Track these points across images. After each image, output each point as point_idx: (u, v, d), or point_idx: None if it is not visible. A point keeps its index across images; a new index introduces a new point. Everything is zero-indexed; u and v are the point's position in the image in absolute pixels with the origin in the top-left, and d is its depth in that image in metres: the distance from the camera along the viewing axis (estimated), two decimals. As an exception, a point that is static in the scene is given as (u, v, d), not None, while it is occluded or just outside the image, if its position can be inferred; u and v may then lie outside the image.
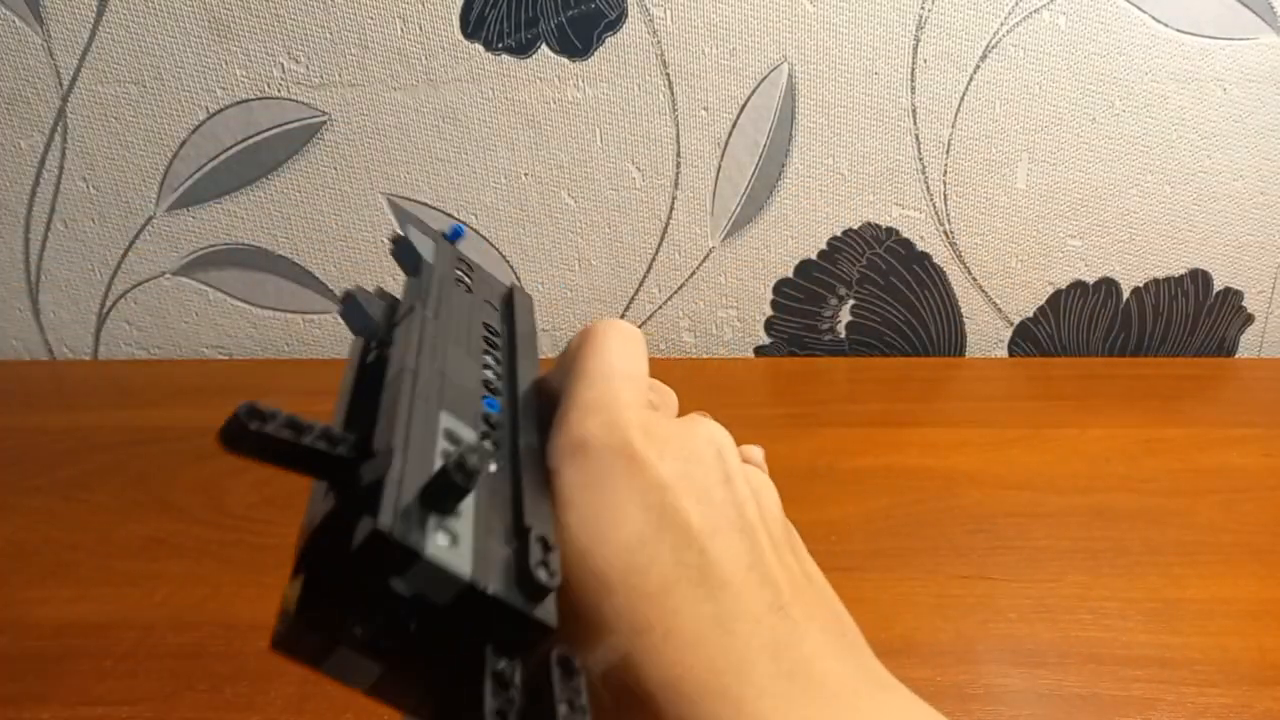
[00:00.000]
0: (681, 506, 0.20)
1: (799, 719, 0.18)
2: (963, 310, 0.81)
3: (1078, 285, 0.79)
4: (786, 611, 0.20)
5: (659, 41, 0.72)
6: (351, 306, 0.21)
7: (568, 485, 0.21)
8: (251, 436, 0.16)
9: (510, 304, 0.28)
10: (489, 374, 0.23)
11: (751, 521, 0.21)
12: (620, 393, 0.22)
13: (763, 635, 0.19)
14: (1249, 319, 0.80)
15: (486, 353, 0.24)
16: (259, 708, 0.45)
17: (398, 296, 0.24)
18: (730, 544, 0.21)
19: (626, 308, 0.81)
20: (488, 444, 0.20)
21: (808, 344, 0.82)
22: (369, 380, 0.21)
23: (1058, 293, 0.80)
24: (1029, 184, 0.76)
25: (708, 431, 0.23)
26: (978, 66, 0.72)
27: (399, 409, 0.18)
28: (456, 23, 0.72)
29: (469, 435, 0.20)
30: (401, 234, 0.25)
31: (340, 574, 0.16)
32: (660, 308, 0.81)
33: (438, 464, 0.18)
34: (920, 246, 0.78)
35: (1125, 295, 0.80)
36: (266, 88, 0.74)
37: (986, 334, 0.82)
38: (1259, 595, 0.51)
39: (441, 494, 0.16)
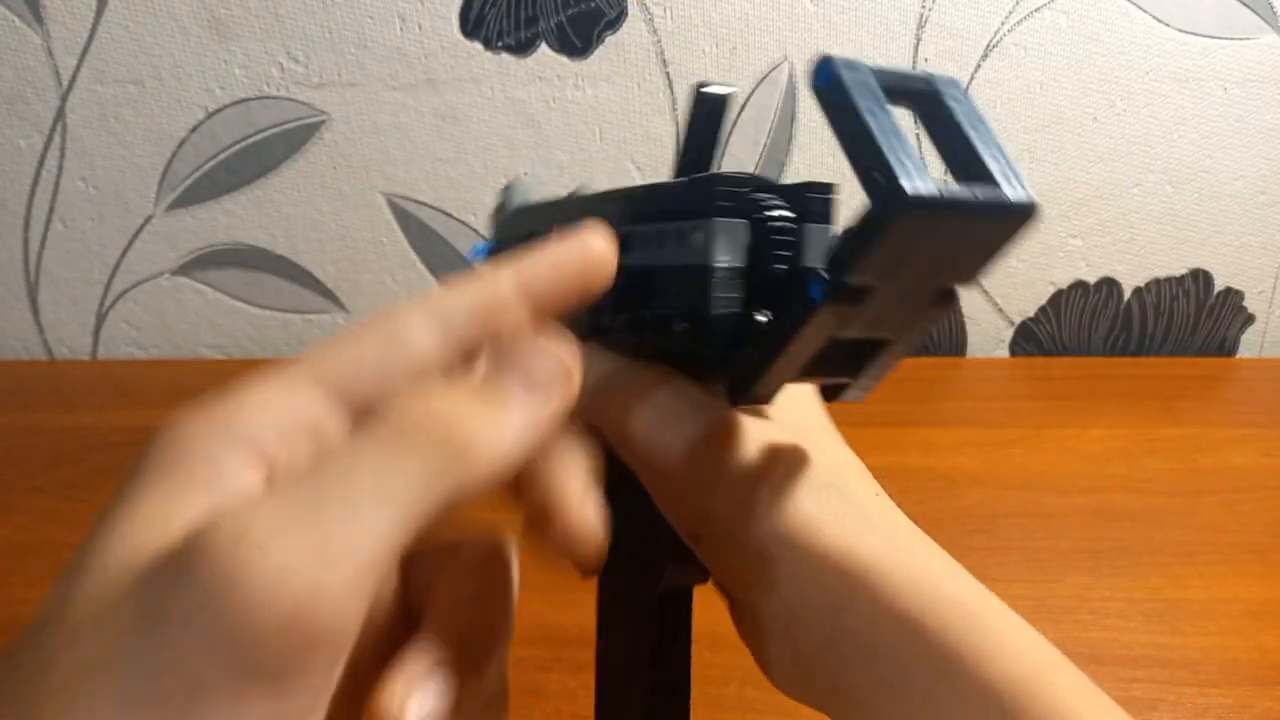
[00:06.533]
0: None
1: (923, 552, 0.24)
2: (964, 310, 0.81)
3: (1079, 285, 0.79)
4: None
5: (659, 40, 0.72)
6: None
7: None
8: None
9: None
10: None
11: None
12: None
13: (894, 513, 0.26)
14: (1250, 319, 0.80)
15: None
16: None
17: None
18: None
19: (626, 307, 0.81)
20: None
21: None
22: None
23: (1059, 292, 0.80)
24: (1030, 183, 0.76)
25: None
26: (979, 66, 0.72)
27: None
28: (456, 22, 0.72)
29: None
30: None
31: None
32: (660, 307, 0.81)
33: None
34: (921, 246, 0.78)
35: (1126, 295, 0.80)
36: (266, 87, 0.74)
37: (987, 334, 0.82)
38: (1260, 595, 0.51)
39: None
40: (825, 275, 0.18)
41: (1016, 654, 0.22)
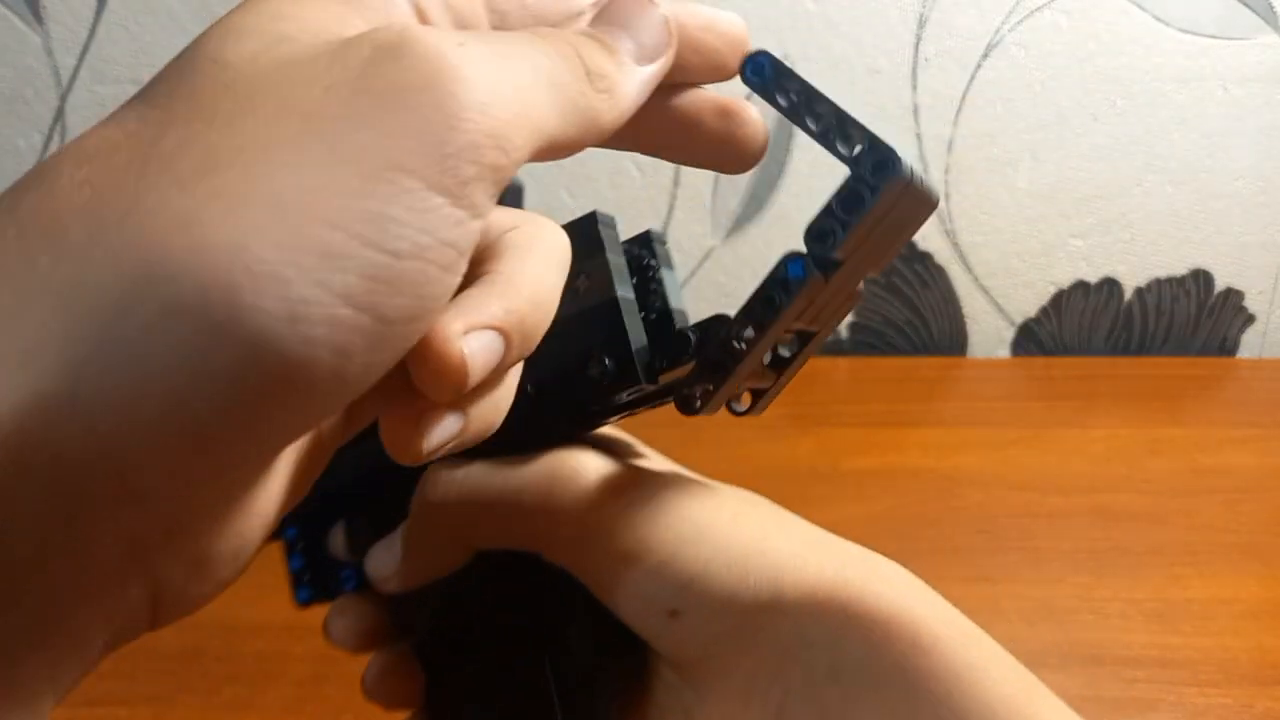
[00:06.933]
0: None
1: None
2: (965, 310, 0.80)
3: (1080, 285, 0.79)
4: None
5: (659, 40, 0.72)
6: None
7: None
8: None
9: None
10: None
11: None
12: None
13: None
14: (1250, 319, 0.80)
15: None
16: (257, 709, 0.45)
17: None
18: None
19: (627, 307, 0.81)
20: None
21: (808, 344, 0.82)
22: None
23: (1060, 292, 0.80)
24: (1031, 183, 0.76)
25: None
26: (980, 65, 0.72)
27: None
28: (456, 22, 0.72)
29: None
30: None
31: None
32: (661, 307, 0.81)
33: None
34: (922, 245, 0.78)
35: (1127, 295, 0.80)
36: (266, 87, 0.74)
37: (989, 334, 0.81)
38: (1261, 595, 0.51)
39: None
40: (803, 254, 0.19)
41: (1003, 674, 0.22)
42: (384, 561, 0.25)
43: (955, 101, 0.73)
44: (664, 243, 0.25)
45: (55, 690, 0.15)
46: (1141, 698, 0.44)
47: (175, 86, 0.14)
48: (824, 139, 0.19)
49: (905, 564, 0.26)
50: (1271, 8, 0.70)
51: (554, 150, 0.16)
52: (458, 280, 0.15)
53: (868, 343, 0.82)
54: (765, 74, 0.21)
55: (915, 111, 0.74)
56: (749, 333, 0.20)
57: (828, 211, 0.19)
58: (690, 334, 0.22)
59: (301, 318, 0.12)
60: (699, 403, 0.22)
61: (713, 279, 0.79)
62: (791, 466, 0.61)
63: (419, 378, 0.16)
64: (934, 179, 0.76)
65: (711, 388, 0.21)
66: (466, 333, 0.16)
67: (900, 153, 0.18)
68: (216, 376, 0.12)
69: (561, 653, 0.25)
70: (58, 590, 0.14)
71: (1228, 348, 0.81)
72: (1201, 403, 0.73)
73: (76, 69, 0.74)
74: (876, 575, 0.23)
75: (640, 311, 0.23)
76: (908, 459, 0.63)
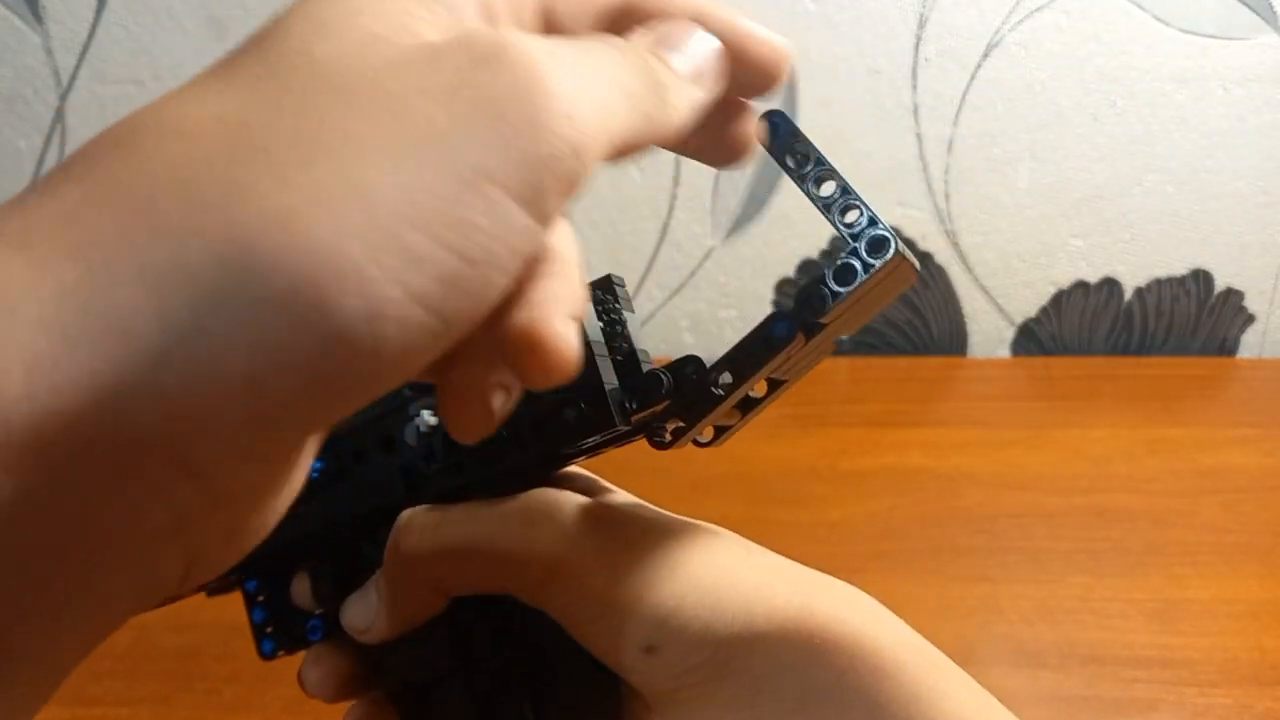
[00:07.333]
0: None
1: None
2: (965, 310, 0.80)
3: (1080, 285, 0.79)
4: None
5: (659, 40, 0.72)
6: None
7: None
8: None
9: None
10: None
11: None
12: None
13: None
14: (1250, 319, 0.80)
15: None
16: (257, 709, 0.45)
17: None
18: None
19: (627, 307, 0.81)
20: None
21: (808, 344, 0.82)
22: None
23: (1060, 292, 0.80)
24: (1031, 183, 0.76)
25: None
26: (980, 65, 0.72)
27: None
28: (456, 22, 0.72)
29: None
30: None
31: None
32: (660, 308, 0.81)
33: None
34: (922, 246, 0.78)
35: (1127, 295, 0.80)
36: (266, 87, 0.74)
37: (989, 334, 0.81)
38: (1260, 595, 0.51)
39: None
40: (788, 315, 0.20)
41: (963, 697, 0.23)
42: (360, 614, 0.25)
43: (955, 101, 0.73)
44: (623, 285, 0.26)
45: (78, 651, 0.15)
46: (1141, 698, 0.44)
47: (263, 75, 0.15)
48: (825, 208, 0.21)
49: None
50: (1271, 8, 0.70)
51: (615, 157, 0.17)
52: (512, 284, 0.15)
53: (868, 343, 0.82)
54: (779, 134, 0.21)
55: (915, 111, 0.74)
56: (727, 379, 0.21)
57: (820, 280, 0.20)
58: (662, 375, 0.23)
59: (379, 315, 0.13)
60: (669, 438, 0.23)
61: (713, 279, 0.79)
62: (791, 466, 0.61)
63: (526, 366, 0.16)
64: (934, 179, 0.76)
65: (684, 424, 0.23)
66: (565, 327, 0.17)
67: (892, 234, 0.20)
68: (295, 366, 0.13)
69: (541, 693, 0.26)
70: (101, 555, 0.14)
71: (1228, 348, 0.81)
72: (1201, 403, 0.73)
73: (76, 69, 0.74)
74: (842, 603, 0.24)
75: (608, 354, 0.24)
76: (908, 459, 0.63)
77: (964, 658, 0.24)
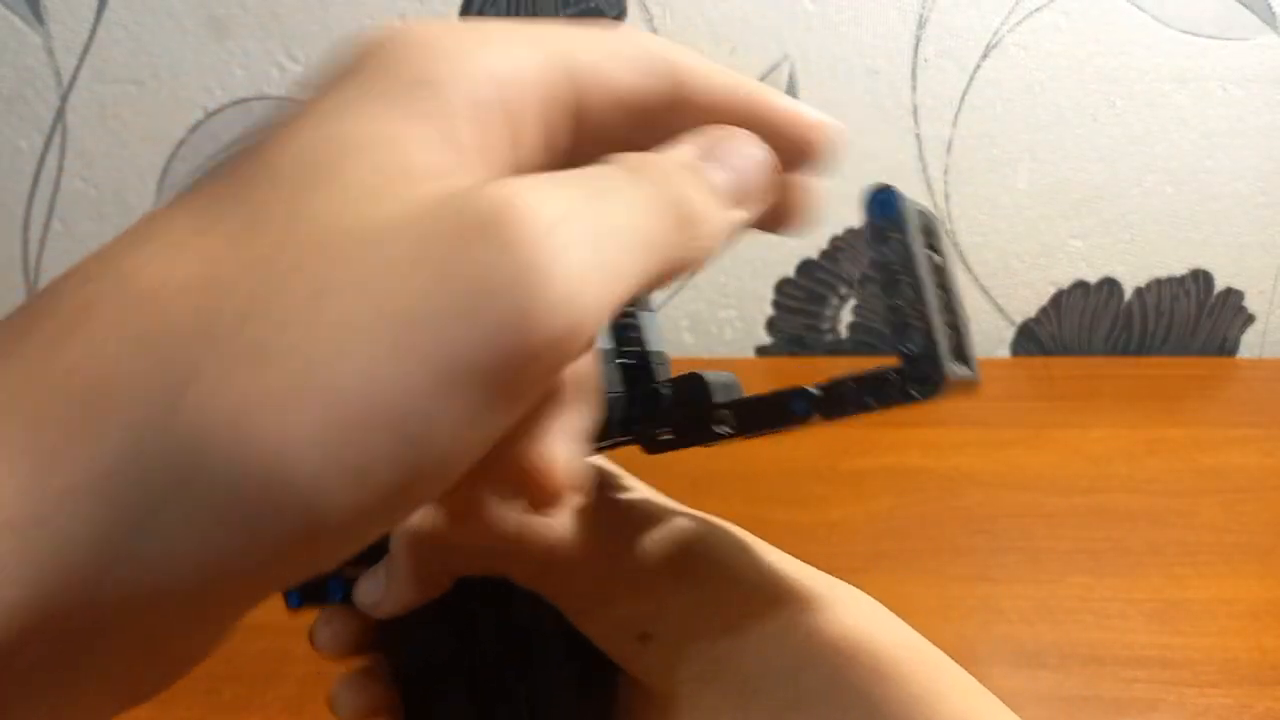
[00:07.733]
0: None
1: None
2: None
3: (1080, 285, 0.79)
4: None
5: (659, 41, 0.72)
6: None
7: None
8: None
9: None
10: None
11: None
12: None
13: None
14: (1250, 319, 0.80)
15: None
16: (257, 709, 0.45)
17: None
18: None
19: (627, 307, 0.81)
20: None
21: (809, 344, 0.82)
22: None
23: (1060, 292, 0.80)
24: (1031, 183, 0.76)
25: None
26: (979, 65, 0.72)
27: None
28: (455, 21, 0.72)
29: None
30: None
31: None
32: (660, 308, 0.81)
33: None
34: (921, 246, 0.78)
35: (1127, 295, 0.80)
36: (265, 87, 0.74)
37: (989, 334, 0.81)
38: (1260, 595, 0.51)
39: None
40: (810, 399, 0.20)
41: (964, 698, 0.23)
42: (369, 590, 0.26)
43: (954, 102, 0.73)
44: None
45: None
46: (1141, 698, 0.44)
47: (241, 229, 0.14)
48: (892, 311, 0.19)
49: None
50: (1271, 8, 0.70)
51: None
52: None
53: (868, 342, 0.82)
54: (892, 214, 0.19)
55: (915, 112, 0.74)
56: (729, 427, 0.21)
57: (855, 388, 0.19)
58: (662, 390, 0.23)
59: (332, 508, 0.13)
60: (658, 449, 0.23)
61: (713, 279, 0.79)
62: (792, 466, 0.61)
63: (525, 494, 0.16)
64: (933, 179, 0.76)
65: (673, 439, 0.23)
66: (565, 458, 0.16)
67: (951, 370, 0.18)
68: (244, 561, 0.13)
69: (539, 679, 0.26)
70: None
71: (1227, 348, 0.81)
72: (1201, 403, 0.73)
73: (77, 69, 0.74)
74: (839, 602, 0.24)
75: (618, 358, 0.24)
76: (908, 459, 0.63)
77: (964, 658, 0.24)
